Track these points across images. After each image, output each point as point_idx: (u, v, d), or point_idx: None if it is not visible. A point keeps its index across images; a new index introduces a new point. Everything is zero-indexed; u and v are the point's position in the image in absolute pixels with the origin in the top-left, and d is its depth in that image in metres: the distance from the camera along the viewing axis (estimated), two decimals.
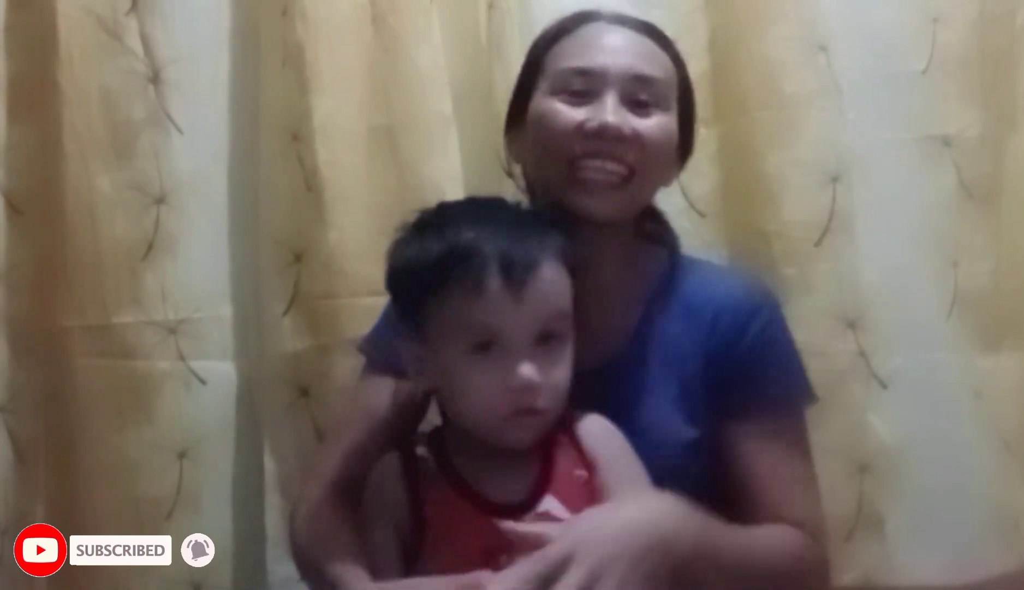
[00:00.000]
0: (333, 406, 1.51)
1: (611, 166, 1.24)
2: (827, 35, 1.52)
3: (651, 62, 1.28)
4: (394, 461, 1.23)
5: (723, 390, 1.26)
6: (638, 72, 1.26)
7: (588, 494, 1.18)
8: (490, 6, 1.54)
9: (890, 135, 1.54)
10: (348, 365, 1.46)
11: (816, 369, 1.34)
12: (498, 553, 1.12)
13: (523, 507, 1.16)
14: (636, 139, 1.24)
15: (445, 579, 1.11)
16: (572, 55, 1.28)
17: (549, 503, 1.16)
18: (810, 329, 1.44)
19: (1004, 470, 1.52)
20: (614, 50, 1.28)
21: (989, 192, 1.56)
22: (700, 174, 1.53)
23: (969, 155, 1.54)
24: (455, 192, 1.49)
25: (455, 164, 1.53)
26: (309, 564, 1.26)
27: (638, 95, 1.26)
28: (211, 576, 1.53)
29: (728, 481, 1.26)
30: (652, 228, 1.37)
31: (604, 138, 1.23)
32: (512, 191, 1.41)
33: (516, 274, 1.13)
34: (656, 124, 1.26)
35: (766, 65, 1.51)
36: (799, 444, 1.29)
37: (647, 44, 1.30)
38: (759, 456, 1.25)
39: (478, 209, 1.24)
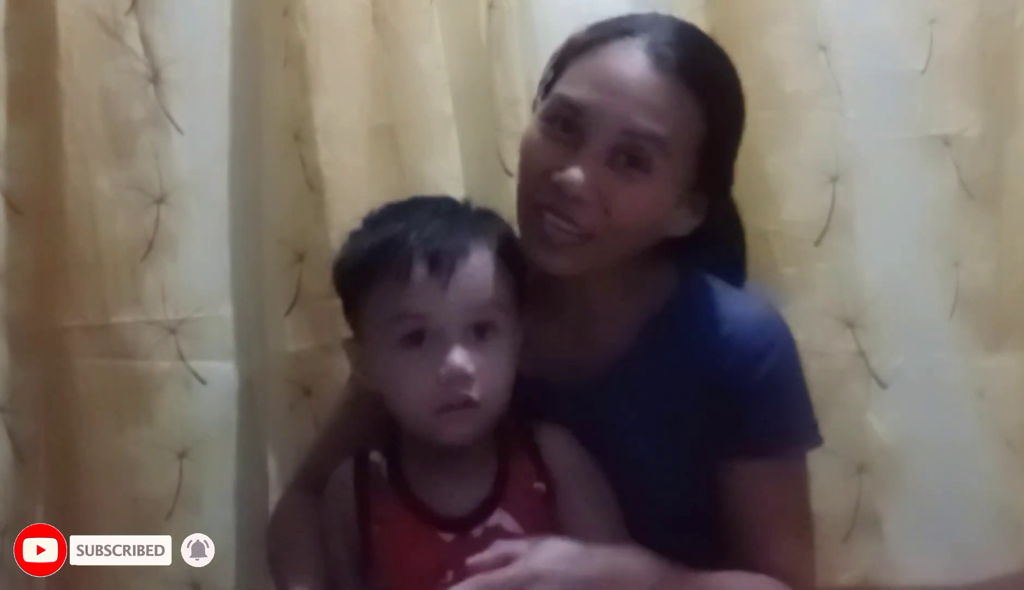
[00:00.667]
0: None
1: (564, 225, 1.16)
2: (827, 34, 1.52)
3: (657, 113, 1.15)
4: (348, 469, 1.22)
5: (722, 426, 1.21)
6: (633, 126, 1.15)
7: (544, 508, 1.17)
8: (490, 6, 1.54)
9: (890, 135, 1.54)
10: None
11: (815, 369, 1.35)
12: (445, 569, 1.12)
13: (472, 520, 1.15)
14: (600, 205, 1.15)
15: None
16: (577, 79, 1.19)
17: (500, 517, 1.16)
18: (809, 329, 1.45)
19: (1007, 470, 1.52)
20: (619, 89, 1.16)
21: (990, 192, 1.57)
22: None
23: (969, 155, 1.54)
24: (456, 192, 1.48)
25: (456, 164, 1.53)
26: (272, 566, 1.28)
27: (628, 151, 1.15)
28: (211, 576, 1.53)
29: (718, 516, 1.24)
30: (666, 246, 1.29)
31: (563, 196, 1.15)
32: (512, 191, 1.40)
33: (443, 262, 1.13)
34: (635, 194, 1.16)
35: (766, 64, 1.51)
36: (798, 491, 1.26)
37: (668, 87, 1.16)
38: (753, 498, 1.22)
39: (416, 206, 1.24)
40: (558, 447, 1.21)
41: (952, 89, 1.55)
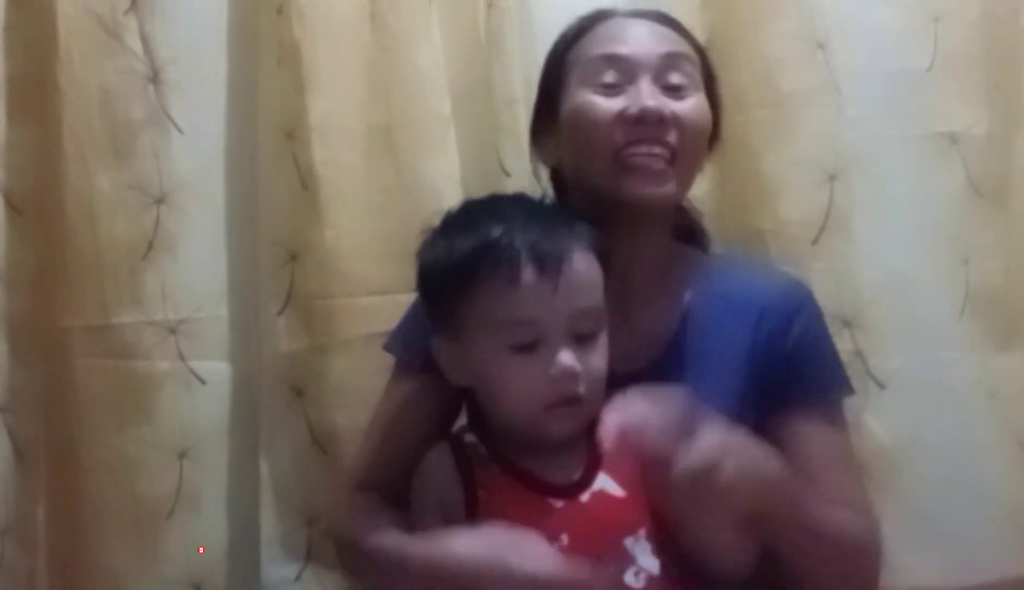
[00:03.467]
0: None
1: (656, 150, 1.23)
2: (826, 32, 1.51)
3: (678, 44, 1.29)
4: (445, 449, 1.21)
5: (772, 386, 1.24)
6: (668, 52, 1.27)
7: (636, 473, 1.16)
8: (489, 5, 1.54)
9: (897, 132, 1.52)
10: (343, 365, 1.47)
11: None
12: (557, 533, 1.12)
13: (578, 485, 1.16)
14: (676, 121, 1.24)
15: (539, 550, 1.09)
16: (599, 45, 1.28)
17: (603, 481, 1.16)
18: None
19: (1018, 470, 1.50)
20: (639, 37, 1.28)
21: (998, 190, 1.55)
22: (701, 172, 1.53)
23: (977, 153, 1.52)
24: (453, 192, 1.49)
25: (454, 164, 1.53)
26: (357, 556, 1.24)
27: (670, 78, 1.26)
28: (211, 576, 1.53)
29: None
30: (686, 227, 1.37)
31: (646, 123, 1.23)
32: (511, 191, 1.40)
33: (550, 265, 1.13)
34: (692, 105, 1.26)
35: (764, 63, 1.50)
36: (848, 434, 1.29)
37: (668, 31, 1.30)
38: (812, 448, 1.24)
39: (503, 204, 1.24)
40: (628, 416, 1.19)
41: (958, 87, 1.53)
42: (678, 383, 1.21)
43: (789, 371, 1.25)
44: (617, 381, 1.18)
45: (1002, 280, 1.54)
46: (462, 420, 1.29)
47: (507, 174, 1.44)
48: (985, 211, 1.54)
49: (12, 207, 1.55)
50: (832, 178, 1.50)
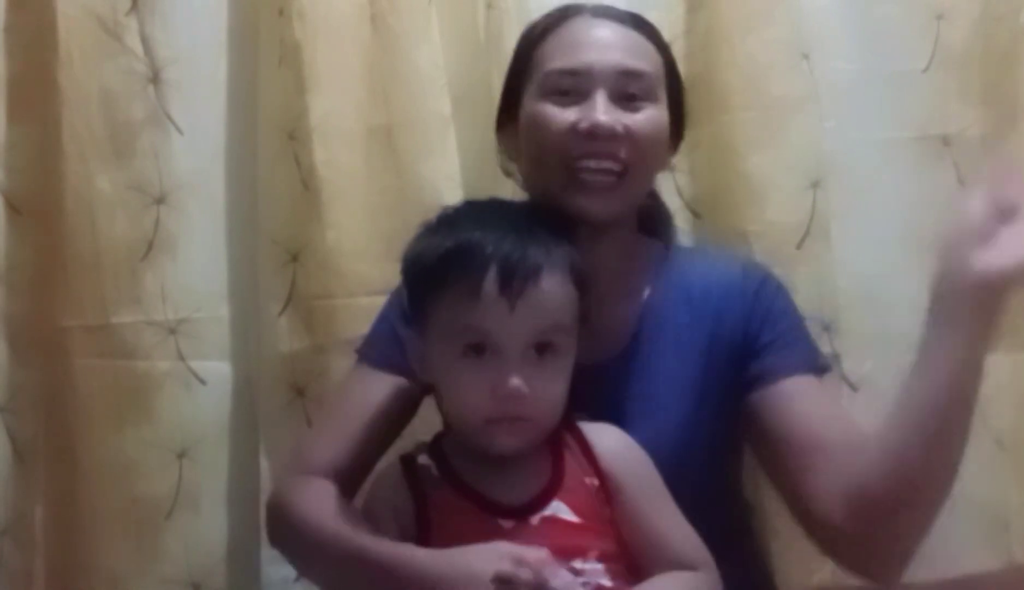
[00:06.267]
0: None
1: (606, 164, 1.24)
2: (811, 42, 1.52)
3: (638, 55, 1.29)
4: (396, 468, 1.22)
5: (749, 364, 1.26)
6: (625, 67, 1.27)
7: (599, 502, 1.17)
8: (488, 6, 1.54)
9: (888, 135, 1.53)
10: (344, 365, 1.46)
11: None
12: None
13: (530, 508, 1.15)
14: (628, 135, 1.25)
15: (501, 549, 1.09)
16: (559, 55, 1.29)
17: (557, 507, 1.15)
18: None
19: (995, 469, 1.51)
20: (600, 46, 1.28)
21: None
22: (693, 174, 1.54)
23: (969, 154, 1.53)
24: (453, 192, 1.49)
25: (453, 164, 1.53)
26: (305, 539, 1.23)
27: (627, 90, 1.26)
28: (211, 576, 1.54)
29: (776, 444, 1.24)
30: (651, 219, 1.39)
31: (597, 137, 1.24)
32: (511, 192, 1.41)
33: (515, 281, 1.13)
34: (646, 119, 1.27)
35: (751, 66, 1.51)
36: (838, 399, 1.33)
37: (633, 36, 1.30)
38: (810, 401, 1.25)
39: (493, 212, 1.24)
40: (610, 446, 1.21)
41: (953, 87, 1.54)
42: (639, 377, 1.26)
43: (764, 346, 1.27)
44: (577, 375, 1.19)
45: None
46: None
47: (507, 174, 1.44)
48: None
49: (12, 207, 1.55)
50: (815, 185, 1.51)
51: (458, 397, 1.18)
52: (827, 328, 1.48)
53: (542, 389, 1.15)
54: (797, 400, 1.25)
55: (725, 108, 1.50)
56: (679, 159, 1.46)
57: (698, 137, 1.49)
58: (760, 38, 1.51)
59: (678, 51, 1.41)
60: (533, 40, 1.33)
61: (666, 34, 1.37)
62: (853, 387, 1.50)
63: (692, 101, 1.43)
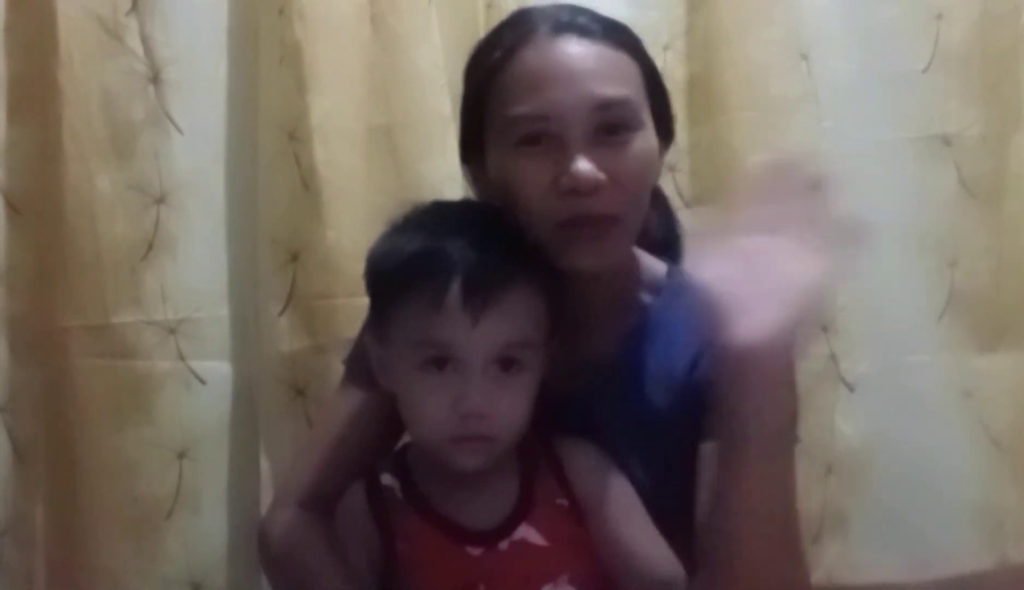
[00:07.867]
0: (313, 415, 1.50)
1: (595, 214, 1.12)
2: (810, 41, 1.53)
3: (614, 78, 1.13)
4: (359, 493, 1.18)
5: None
6: (602, 99, 1.11)
7: (570, 523, 1.15)
8: (488, 6, 1.55)
9: (888, 135, 1.54)
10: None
11: None
12: (475, 583, 1.10)
13: (498, 533, 1.13)
14: (614, 183, 1.11)
15: None
16: (521, 95, 1.13)
17: (525, 531, 1.13)
18: None
19: (992, 469, 1.52)
20: (567, 77, 1.12)
21: (990, 191, 1.56)
22: (693, 174, 1.54)
23: (970, 154, 1.54)
24: (453, 192, 1.49)
25: (453, 164, 1.50)
26: (287, 580, 1.24)
27: (607, 122, 1.12)
28: (211, 576, 1.53)
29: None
30: (658, 236, 1.30)
31: (580, 193, 1.10)
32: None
33: (478, 296, 1.07)
34: (633, 156, 1.13)
35: (750, 66, 1.52)
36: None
37: (603, 53, 1.14)
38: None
39: (464, 214, 1.19)
40: (581, 463, 1.18)
41: (954, 87, 1.55)
42: (616, 407, 1.19)
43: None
44: (551, 403, 1.15)
45: (990, 281, 1.56)
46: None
47: None
48: (977, 213, 1.56)
49: (12, 207, 1.54)
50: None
51: (418, 412, 1.13)
52: (824, 328, 1.49)
53: (505, 407, 1.11)
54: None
55: (724, 108, 1.51)
56: (679, 159, 1.46)
57: (698, 137, 1.50)
58: (759, 38, 1.52)
59: (678, 51, 1.41)
60: (488, 71, 1.17)
61: (666, 34, 1.36)
62: (850, 387, 1.51)
63: (692, 101, 1.44)
